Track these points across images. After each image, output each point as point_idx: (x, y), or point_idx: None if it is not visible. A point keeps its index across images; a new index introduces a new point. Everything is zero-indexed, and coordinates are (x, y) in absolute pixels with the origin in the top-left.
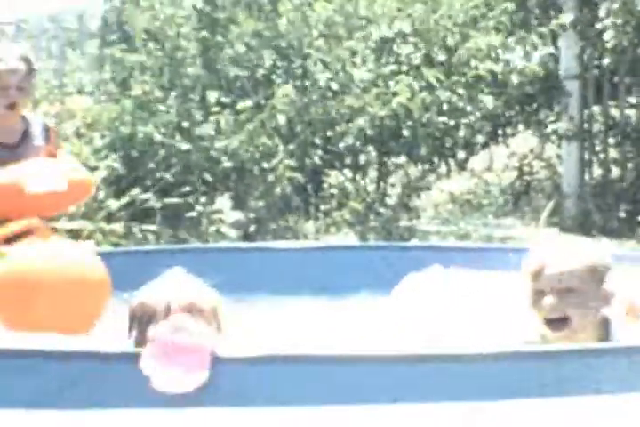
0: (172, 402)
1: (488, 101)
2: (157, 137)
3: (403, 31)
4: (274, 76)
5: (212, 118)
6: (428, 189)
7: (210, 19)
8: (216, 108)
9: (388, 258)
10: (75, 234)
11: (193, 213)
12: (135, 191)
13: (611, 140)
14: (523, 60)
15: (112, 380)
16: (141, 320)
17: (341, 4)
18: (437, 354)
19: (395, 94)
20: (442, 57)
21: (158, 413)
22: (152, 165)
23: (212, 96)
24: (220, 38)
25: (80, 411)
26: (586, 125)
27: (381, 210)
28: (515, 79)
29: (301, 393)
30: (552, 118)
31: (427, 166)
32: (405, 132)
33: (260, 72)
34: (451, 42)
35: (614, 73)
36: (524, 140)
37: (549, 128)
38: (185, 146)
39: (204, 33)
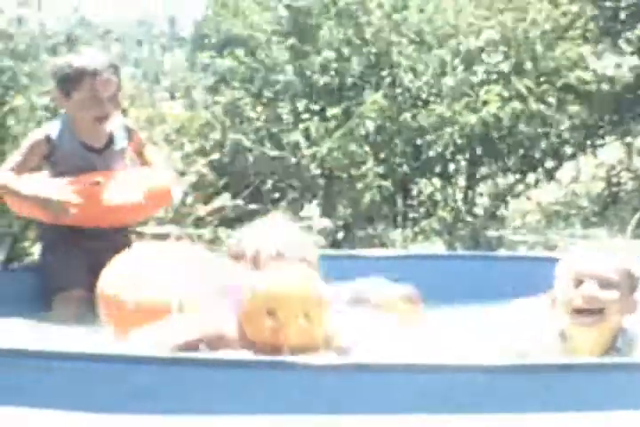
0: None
1: (578, 111)
2: (246, 143)
3: (491, 39)
4: (363, 84)
5: (301, 126)
6: (517, 195)
7: (298, 25)
8: (305, 115)
9: (478, 267)
10: (162, 239)
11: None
12: (224, 197)
13: None
14: (613, 68)
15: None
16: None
17: (431, 13)
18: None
19: (485, 103)
20: (530, 65)
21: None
22: (241, 172)
23: (301, 104)
24: (308, 46)
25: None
26: None
27: (469, 219)
28: (605, 88)
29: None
30: None
31: (516, 176)
32: (495, 142)
33: (350, 80)
34: (539, 50)
35: None
36: (612, 151)
37: (638, 139)
38: (274, 152)
39: (293, 40)
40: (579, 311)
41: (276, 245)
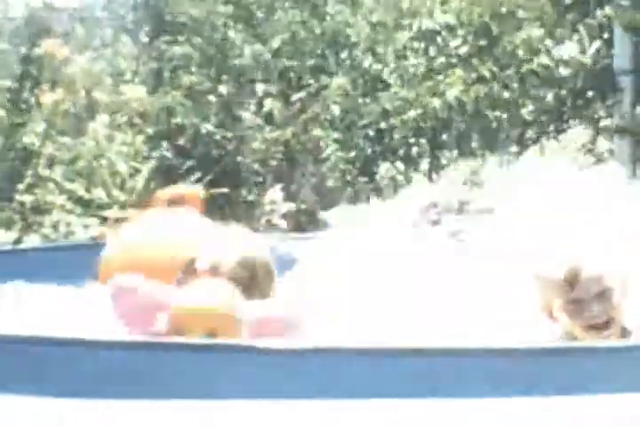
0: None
1: (541, 95)
2: (208, 127)
3: (448, 23)
4: (324, 65)
5: (264, 109)
6: (480, 185)
7: (247, 9)
8: (267, 99)
9: None
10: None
11: (245, 204)
12: (186, 181)
13: None
14: (576, 53)
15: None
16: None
17: None
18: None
19: (448, 86)
20: (489, 49)
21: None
22: (204, 156)
23: (260, 88)
24: (264, 29)
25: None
26: (638, 120)
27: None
28: (565, 72)
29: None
30: (604, 113)
31: (479, 161)
32: (458, 126)
33: (309, 62)
34: (495, 32)
35: None
36: (575, 135)
37: (601, 123)
38: (235, 136)
39: (243, 24)
40: (592, 327)
41: (210, 260)
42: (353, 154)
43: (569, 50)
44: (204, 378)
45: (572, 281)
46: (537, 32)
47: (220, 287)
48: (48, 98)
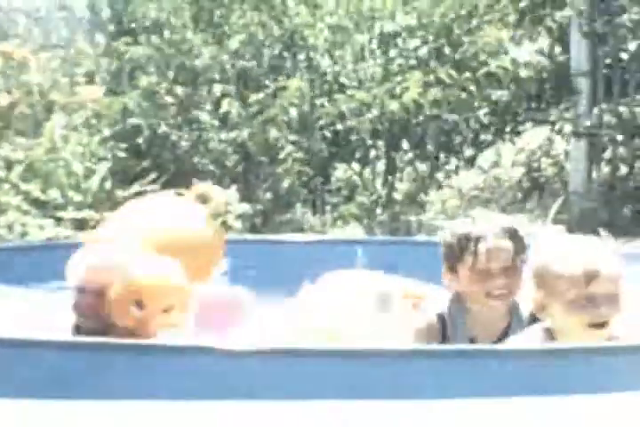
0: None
1: (498, 96)
2: (164, 128)
3: (409, 25)
4: (282, 67)
5: (221, 110)
6: (440, 187)
7: (208, 11)
8: (225, 100)
9: (396, 252)
10: (81, 224)
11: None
12: (142, 182)
13: (619, 138)
14: (534, 54)
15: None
16: None
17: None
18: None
19: (406, 89)
20: (449, 51)
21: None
22: (159, 156)
23: (218, 88)
24: (223, 29)
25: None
26: (594, 123)
27: (388, 204)
28: (523, 74)
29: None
30: (561, 115)
31: (435, 163)
32: (415, 128)
33: (266, 63)
34: (457, 35)
35: (625, 70)
36: (532, 137)
37: (557, 125)
38: (191, 137)
39: (203, 25)
40: (594, 325)
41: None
42: (309, 155)
43: (526, 52)
44: (145, 379)
45: (591, 277)
46: (499, 34)
47: (174, 264)
48: (4, 99)
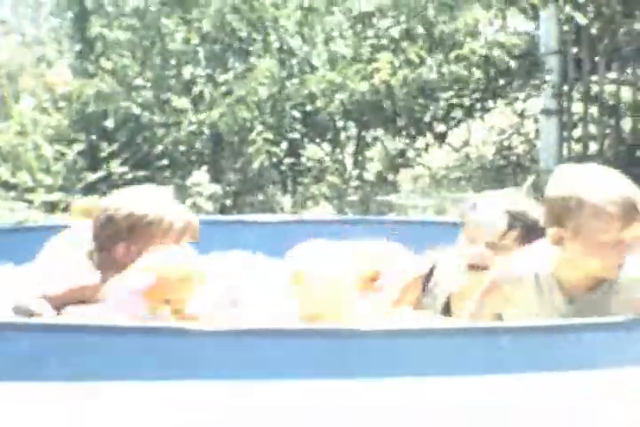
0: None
1: (467, 75)
2: (134, 110)
3: (382, 4)
4: (251, 48)
5: (192, 92)
6: (409, 166)
7: None
8: (196, 82)
9: (366, 232)
10: (52, 206)
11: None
12: (113, 164)
13: (590, 116)
14: (505, 34)
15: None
16: None
17: None
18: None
19: (376, 70)
20: (422, 31)
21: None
22: (130, 139)
23: (187, 71)
24: (193, 12)
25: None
26: (565, 101)
27: (359, 184)
28: (495, 53)
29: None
30: (532, 93)
31: (405, 140)
32: (385, 107)
33: (237, 45)
34: (431, 15)
35: (595, 49)
36: (504, 116)
37: (528, 103)
38: (162, 119)
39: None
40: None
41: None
42: (280, 136)
43: (498, 31)
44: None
45: (631, 220)
46: (474, 14)
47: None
48: None
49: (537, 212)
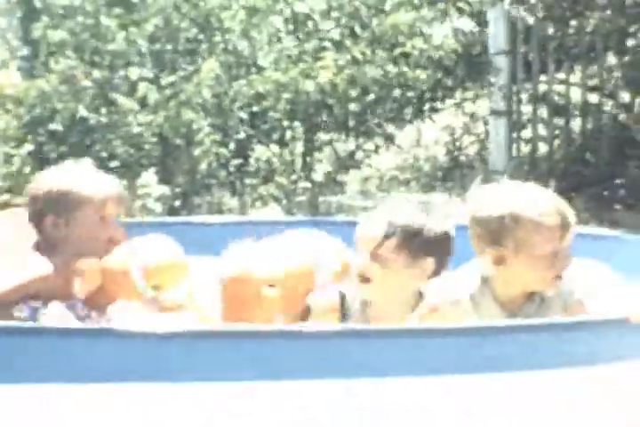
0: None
1: (414, 76)
2: (81, 112)
3: (320, 8)
4: (198, 49)
5: (137, 93)
6: (358, 167)
7: None
8: (141, 84)
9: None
10: (1, 208)
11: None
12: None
13: (539, 116)
14: (448, 34)
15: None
16: None
17: None
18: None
19: (321, 69)
20: (362, 32)
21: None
22: (78, 140)
23: (134, 72)
24: (138, 14)
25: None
26: (514, 102)
27: (308, 185)
28: (438, 53)
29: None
30: (479, 94)
31: (354, 142)
32: (332, 108)
33: (182, 46)
34: (366, 16)
35: (544, 48)
36: (454, 116)
37: (478, 104)
38: (109, 121)
39: (118, 9)
40: (558, 278)
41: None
42: (227, 137)
43: (442, 31)
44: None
45: (566, 230)
46: (406, 16)
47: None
48: None
49: (421, 221)
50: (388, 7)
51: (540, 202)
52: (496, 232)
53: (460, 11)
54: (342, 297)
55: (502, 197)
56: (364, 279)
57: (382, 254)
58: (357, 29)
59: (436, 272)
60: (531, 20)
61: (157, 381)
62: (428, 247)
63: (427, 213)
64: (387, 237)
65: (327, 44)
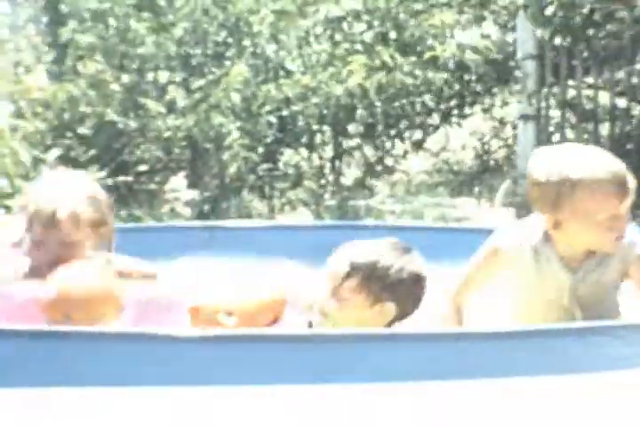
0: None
1: (444, 81)
2: (111, 116)
3: (354, 9)
4: (227, 53)
5: (166, 97)
6: (388, 173)
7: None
8: (170, 87)
9: (344, 237)
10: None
11: (148, 192)
12: (91, 170)
13: (568, 121)
14: (479, 39)
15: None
16: None
17: None
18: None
19: (350, 73)
20: (394, 35)
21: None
22: (107, 144)
23: (163, 76)
24: (167, 18)
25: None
26: (543, 106)
27: (336, 189)
28: (469, 58)
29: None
30: (509, 99)
31: (385, 145)
32: (361, 112)
33: (211, 50)
34: (403, 19)
35: (572, 53)
36: (483, 121)
37: (507, 108)
38: (138, 125)
39: (147, 13)
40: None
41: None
42: (256, 141)
43: (472, 36)
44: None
45: (624, 196)
46: (444, 17)
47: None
48: None
49: (387, 262)
50: (421, 7)
51: (598, 168)
52: (553, 198)
53: (496, 14)
54: (309, 326)
55: (561, 162)
56: (323, 314)
57: (341, 293)
58: (389, 33)
59: (400, 317)
60: (545, 34)
61: (163, 384)
62: (391, 291)
63: (400, 253)
64: (347, 276)
65: (358, 46)
